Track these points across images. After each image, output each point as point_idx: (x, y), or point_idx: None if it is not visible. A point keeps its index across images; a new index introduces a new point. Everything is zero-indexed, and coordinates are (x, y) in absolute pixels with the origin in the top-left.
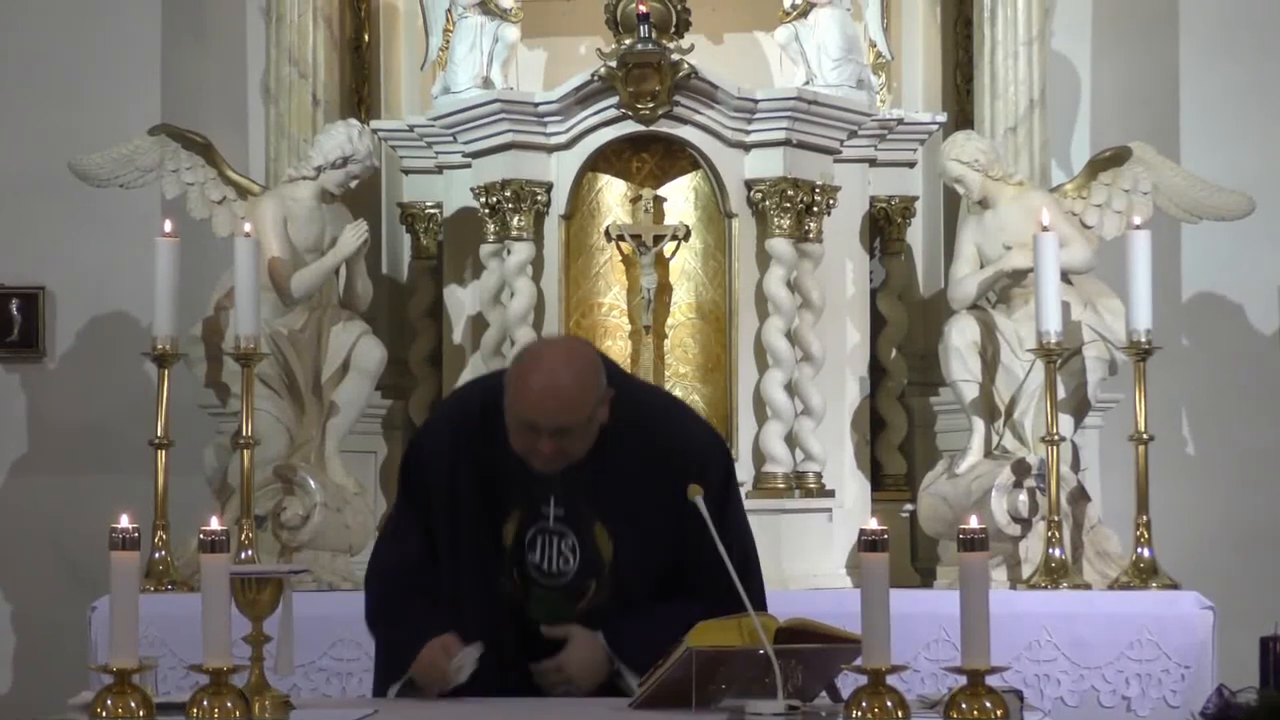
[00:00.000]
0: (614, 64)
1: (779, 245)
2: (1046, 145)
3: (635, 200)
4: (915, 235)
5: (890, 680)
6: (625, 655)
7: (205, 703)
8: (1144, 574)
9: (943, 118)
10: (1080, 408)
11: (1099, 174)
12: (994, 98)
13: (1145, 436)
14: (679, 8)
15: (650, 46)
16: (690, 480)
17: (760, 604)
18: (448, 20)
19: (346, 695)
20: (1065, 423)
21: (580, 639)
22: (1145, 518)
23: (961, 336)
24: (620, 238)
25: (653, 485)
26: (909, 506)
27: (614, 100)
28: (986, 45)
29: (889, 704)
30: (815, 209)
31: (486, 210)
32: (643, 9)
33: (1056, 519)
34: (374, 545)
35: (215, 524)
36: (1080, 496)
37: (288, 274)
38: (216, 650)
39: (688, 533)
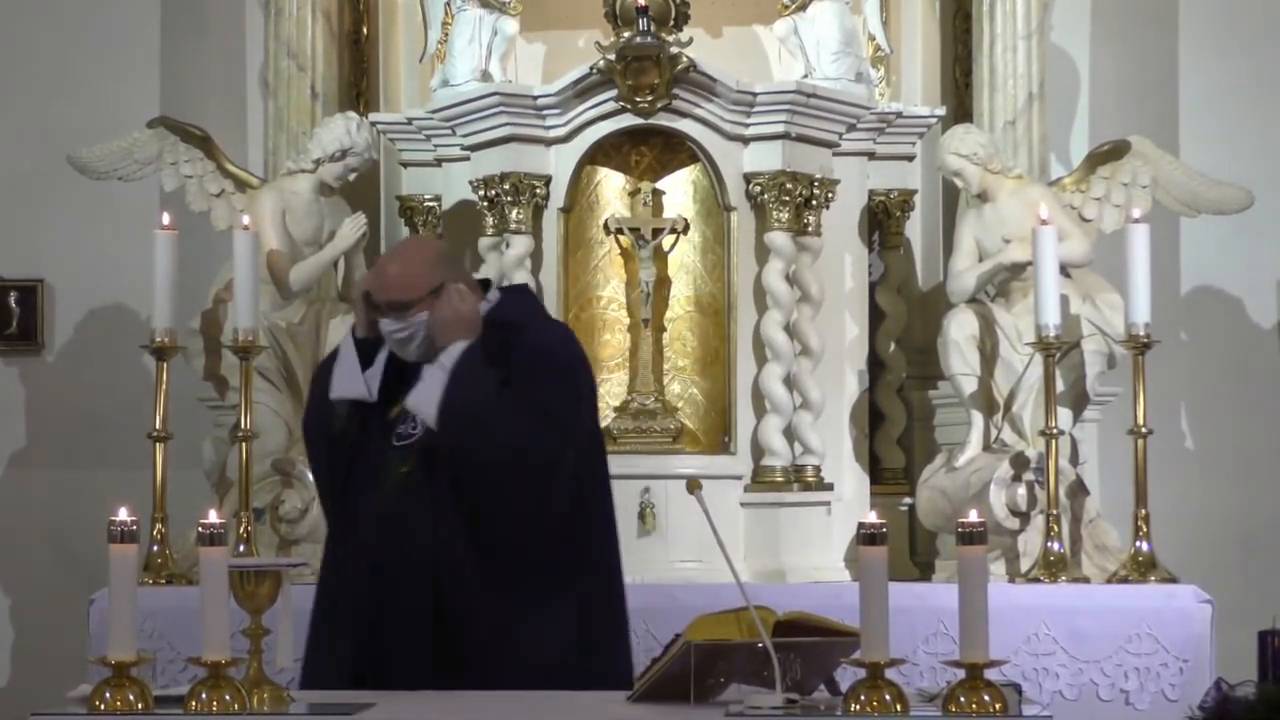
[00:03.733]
0: (613, 57)
1: (778, 239)
2: (1045, 139)
3: (634, 193)
4: (914, 229)
5: (889, 674)
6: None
7: (204, 696)
8: (1142, 568)
9: (942, 111)
10: (1079, 401)
11: (1098, 168)
12: (993, 91)
13: (1144, 430)
14: (678, 1)
15: (649, 40)
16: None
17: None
18: (446, 13)
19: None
20: (1064, 416)
21: None
22: (1144, 511)
23: (960, 330)
24: (619, 231)
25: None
26: (908, 500)
27: (613, 93)
28: (985, 39)
29: (887, 697)
30: (814, 202)
31: (485, 203)
32: (641, 2)
33: (1055, 513)
34: None
35: (214, 517)
36: (1079, 490)
37: (286, 267)
38: (215, 643)
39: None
